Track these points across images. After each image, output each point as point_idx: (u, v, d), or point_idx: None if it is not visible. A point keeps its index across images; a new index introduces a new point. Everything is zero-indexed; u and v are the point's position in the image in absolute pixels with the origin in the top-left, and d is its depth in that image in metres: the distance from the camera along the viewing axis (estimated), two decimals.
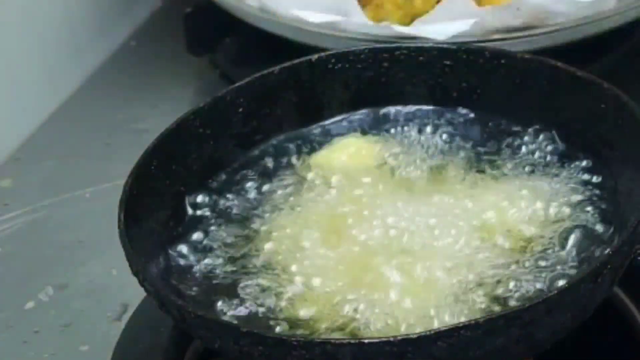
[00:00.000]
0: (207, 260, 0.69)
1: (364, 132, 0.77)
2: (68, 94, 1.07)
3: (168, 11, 1.19)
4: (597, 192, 0.69)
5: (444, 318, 0.61)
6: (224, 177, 0.74)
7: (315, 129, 0.77)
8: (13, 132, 1.01)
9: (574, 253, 0.65)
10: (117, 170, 0.74)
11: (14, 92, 1.01)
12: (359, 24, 0.95)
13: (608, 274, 0.60)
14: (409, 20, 0.97)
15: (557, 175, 0.71)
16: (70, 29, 1.09)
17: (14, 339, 0.79)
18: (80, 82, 1.09)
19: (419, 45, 0.78)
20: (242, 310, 0.64)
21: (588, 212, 0.68)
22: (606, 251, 0.62)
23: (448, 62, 0.77)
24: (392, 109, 0.78)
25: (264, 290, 0.65)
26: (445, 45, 0.78)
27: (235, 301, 0.65)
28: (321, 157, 0.75)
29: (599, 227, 0.66)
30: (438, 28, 0.93)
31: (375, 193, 0.71)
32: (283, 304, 0.64)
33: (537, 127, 0.74)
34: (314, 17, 0.95)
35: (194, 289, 0.67)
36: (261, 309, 0.64)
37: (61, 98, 1.06)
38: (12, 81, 1.01)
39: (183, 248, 0.69)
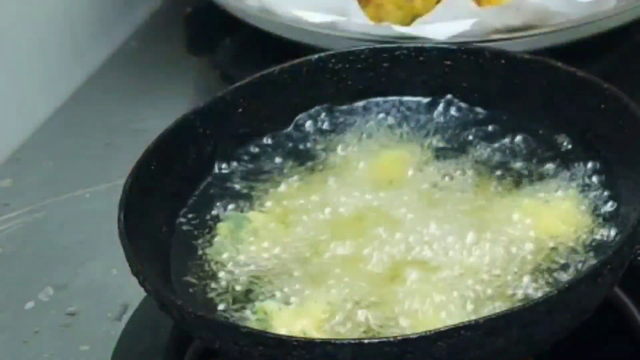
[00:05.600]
0: (207, 260, 0.68)
1: (372, 134, 0.77)
2: (68, 94, 1.07)
3: (168, 11, 1.19)
4: (597, 192, 0.69)
5: None
6: (223, 177, 0.74)
7: (317, 129, 0.77)
8: (13, 132, 1.00)
9: (576, 254, 0.65)
10: (117, 170, 0.74)
11: (14, 92, 1.01)
12: (359, 24, 0.95)
13: (608, 274, 0.60)
14: (409, 20, 0.97)
15: (557, 175, 0.71)
16: (70, 29, 1.09)
17: (14, 339, 0.79)
18: (80, 82, 1.09)
19: (419, 45, 0.78)
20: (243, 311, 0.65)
21: (588, 212, 0.68)
22: (606, 251, 0.62)
23: (448, 62, 0.77)
24: (398, 107, 0.78)
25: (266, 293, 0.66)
26: (445, 45, 0.78)
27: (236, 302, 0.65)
28: (339, 162, 0.75)
29: (600, 227, 0.66)
30: (438, 28, 0.93)
31: (387, 200, 0.71)
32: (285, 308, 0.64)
33: (537, 127, 0.74)
34: (314, 17, 0.95)
35: (194, 288, 0.67)
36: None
37: (61, 98, 1.06)
38: (12, 81, 1.01)
39: (183, 248, 0.69)
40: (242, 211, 0.71)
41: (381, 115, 0.78)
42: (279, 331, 0.61)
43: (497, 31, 0.93)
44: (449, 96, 0.77)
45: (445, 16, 0.93)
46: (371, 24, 0.95)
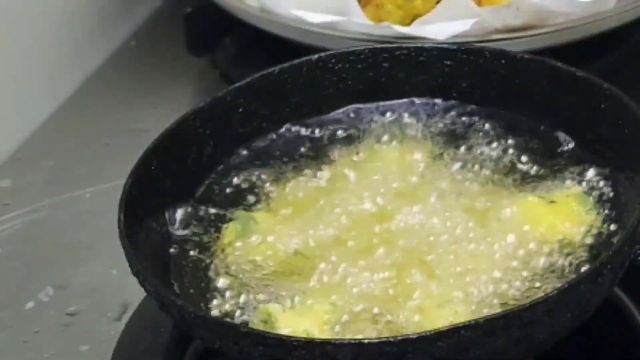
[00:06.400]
0: (207, 260, 0.68)
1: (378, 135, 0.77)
2: (68, 94, 1.07)
3: (168, 11, 1.19)
4: (597, 192, 0.69)
5: None
6: (223, 177, 0.74)
7: (317, 129, 0.77)
8: (13, 132, 1.01)
9: (577, 254, 0.65)
10: (117, 170, 0.74)
11: (14, 92, 1.01)
12: (359, 24, 0.94)
13: (608, 274, 0.60)
14: (409, 20, 0.97)
15: (556, 175, 0.71)
16: (70, 29, 1.09)
17: (14, 339, 0.79)
18: (80, 82, 1.09)
19: (419, 45, 0.78)
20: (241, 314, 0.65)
21: (588, 211, 0.68)
22: (606, 251, 0.62)
23: (448, 62, 0.77)
24: (399, 108, 0.78)
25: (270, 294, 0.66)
26: (445, 45, 0.78)
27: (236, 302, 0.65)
28: (343, 162, 0.75)
29: (600, 227, 0.66)
30: (438, 28, 0.93)
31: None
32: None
33: (537, 127, 0.74)
34: (314, 17, 0.95)
35: (195, 289, 0.67)
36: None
37: (61, 98, 1.06)
38: (12, 81, 1.01)
39: (183, 248, 0.69)
40: (247, 211, 0.71)
41: (384, 116, 0.78)
42: (282, 332, 0.61)
43: (497, 31, 0.93)
44: (448, 96, 0.77)
45: (445, 16, 0.93)
46: (371, 24, 0.95)
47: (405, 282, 0.64)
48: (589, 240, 0.66)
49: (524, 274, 0.64)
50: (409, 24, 0.96)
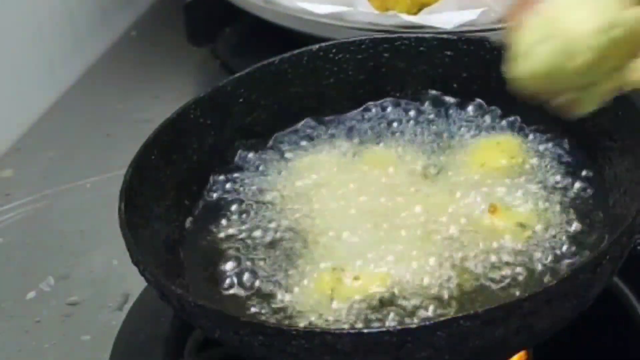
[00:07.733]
0: (214, 247, 0.69)
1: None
2: (69, 84, 1.07)
3: (169, 1, 1.19)
4: (597, 183, 0.69)
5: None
6: (223, 167, 0.74)
7: (316, 121, 0.78)
8: (14, 123, 1.01)
9: (574, 243, 0.65)
10: (117, 160, 0.74)
11: (15, 83, 1.01)
12: (366, 13, 0.94)
13: (607, 264, 0.60)
14: (416, 10, 0.96)
15: (556, 166, 0.71)
16: (70, 19, 1.09)
17: (16, 328, 0.79)
18: (81, 72, 1.09)
19: (419, 35, 0.78)
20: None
21: (588, 202, 0.68)
22: (605, 241, 0.63)
23: (448, 53, 0.77)
24: (396, 103, 0.78)
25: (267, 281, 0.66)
26: (445, 36, 0.78)
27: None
28: (345, 152, 0.75)
29: (601, 218, 0.67)
30: (445, 17, 0.92)
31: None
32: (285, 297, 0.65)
33: (538, 120, 0.74)
34: (320, 8, 0.95)
35: (203, 277, 0.67)
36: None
37: (62, 88, 1.06)
38: (13, 72, 1.01)
39: (183, 238, 0.69)
40: (253, 197, 0.72)
41: (385, 110, 0.78)
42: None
43: (504, 20, 0.92)
44: (449, 86, 0.77)
45: (452, 5, 0.93)
46: (378, 13, 0.94)
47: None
48: (587, 230, 0.66)
49: (522, 265, 0.65)
50: (415, 13, 0.96)
